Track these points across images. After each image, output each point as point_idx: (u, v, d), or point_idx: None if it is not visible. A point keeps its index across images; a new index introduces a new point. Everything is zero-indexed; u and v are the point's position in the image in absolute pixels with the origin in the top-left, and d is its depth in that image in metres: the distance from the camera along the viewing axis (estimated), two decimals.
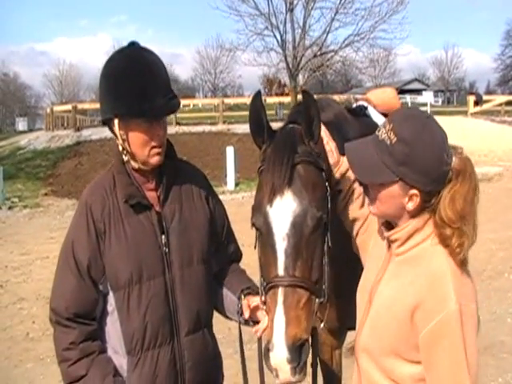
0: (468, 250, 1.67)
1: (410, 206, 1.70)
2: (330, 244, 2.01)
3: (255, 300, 2.06)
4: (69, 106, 28.58)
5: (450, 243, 1.66)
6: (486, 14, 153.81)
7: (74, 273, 2.05)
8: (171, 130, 24.42)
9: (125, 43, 2.12)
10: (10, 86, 76.06)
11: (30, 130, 45.63)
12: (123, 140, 2.04)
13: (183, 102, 34.15)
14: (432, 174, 1.66)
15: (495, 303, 6.60)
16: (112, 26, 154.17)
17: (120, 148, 2.10)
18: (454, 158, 1.70)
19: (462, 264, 1.67)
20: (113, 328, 2.08)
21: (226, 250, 2.36)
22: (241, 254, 2.46)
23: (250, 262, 2.58)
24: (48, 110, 31.11)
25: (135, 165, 2.10)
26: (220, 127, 24.75)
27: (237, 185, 17.73)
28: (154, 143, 2.04)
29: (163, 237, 2.09)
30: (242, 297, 2.15)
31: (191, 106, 38.28)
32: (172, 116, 25.95)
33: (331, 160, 2.19)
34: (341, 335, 3.06)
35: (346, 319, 2.84)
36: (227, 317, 2.32)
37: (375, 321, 1.78)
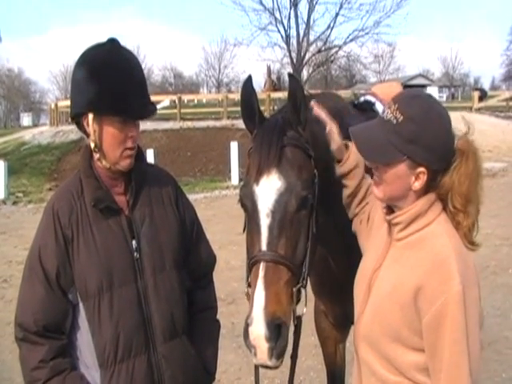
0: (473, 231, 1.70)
1: (417, 185, 1.69)
2: (314, 230, 2.00)
3: None
4: None
5: (462, 227, 1.68)
6: (490, 9, 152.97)
7: (42, 282, 1.94)
8: (175, 125, 24.41)
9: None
10: (14, 81, 76.13)
11: (35, 125, 45.87)
12: (96, 137, 1.96)
13: (188, 97, 34.15)
14: (439, 151, 1.66)
15: (499, 299, 6.58)
16: (115, 20, 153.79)
17: (92, 145, 2.00)
18: (456, 139, 1.71)
19: (468, 247, 1.68)
20: (83, 341, 1.97)
21: (198, 252, 2.27)
22: (214, 257, 2.38)
23: None
24: (52, 106, 31.10)
25: (106, 164, 2.01)
26: (224, 122, 24.68)
27: (241, 180, 17.70)
28: (127, 145, 1.97)
29: (134, 242, 2.00)
30: None
31: (195, 102, 38.23)
32: (176, 111, 25.94)
33: (333, 145, 2.17)
34: (344, 329, 3.06)
35: (349, 313, 2.84)
36: None
37: (376, 307, 1.75)
